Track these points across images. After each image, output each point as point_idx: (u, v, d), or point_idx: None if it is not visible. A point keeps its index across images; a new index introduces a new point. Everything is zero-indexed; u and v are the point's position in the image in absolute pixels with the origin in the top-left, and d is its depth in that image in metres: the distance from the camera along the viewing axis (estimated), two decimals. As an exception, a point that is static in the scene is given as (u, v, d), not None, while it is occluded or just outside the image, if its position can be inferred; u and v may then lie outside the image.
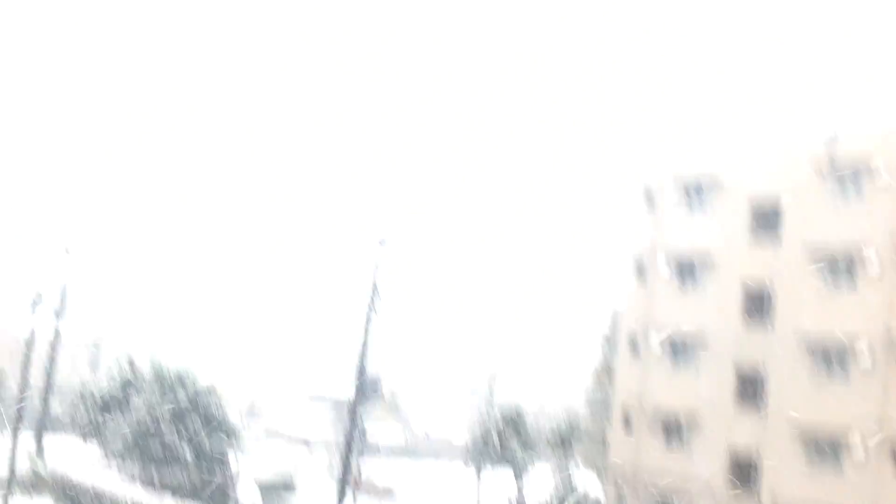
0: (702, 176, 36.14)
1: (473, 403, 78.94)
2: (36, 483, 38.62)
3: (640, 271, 38.15)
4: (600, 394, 49.43)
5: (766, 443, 32.18)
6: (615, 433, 38.26)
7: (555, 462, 40.31)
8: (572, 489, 38.44)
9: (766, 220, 33.94)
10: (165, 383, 39.66)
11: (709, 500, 33.25)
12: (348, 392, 37.14)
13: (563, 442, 46.05)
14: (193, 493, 35.85)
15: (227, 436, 40.17)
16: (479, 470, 48.76)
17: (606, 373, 47.75)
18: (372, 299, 34.23)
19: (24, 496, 37.58)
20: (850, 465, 29.59)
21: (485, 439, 47.01)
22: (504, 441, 46.73)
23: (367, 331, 34.35)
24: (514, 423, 47.17)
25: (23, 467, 40.29)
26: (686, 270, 36.48)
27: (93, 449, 44.49)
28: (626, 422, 37.54)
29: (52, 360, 47.14)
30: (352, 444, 35.25)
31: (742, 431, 33.14)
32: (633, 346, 37.96)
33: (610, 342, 49.15)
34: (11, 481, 28.75)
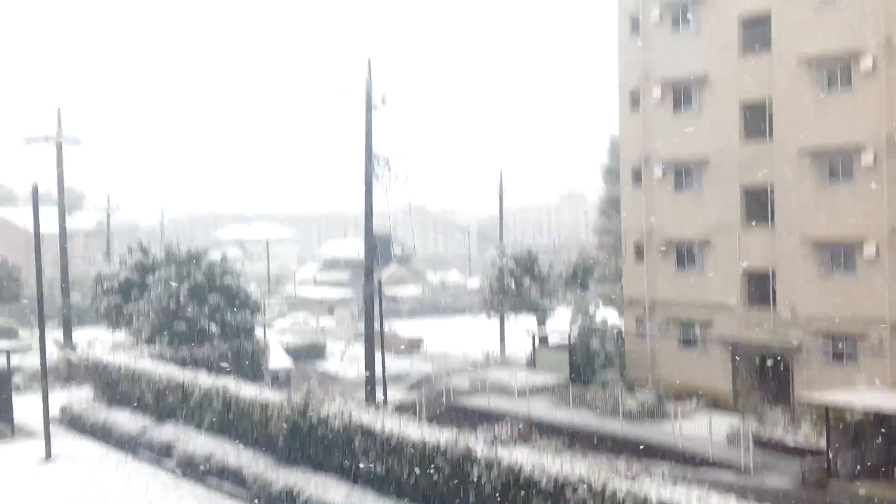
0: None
1: (486, 253, 79.57)
2: (70, 373, 39.60)
3: (635, 100, 37.63)
4: (609, 225, 49.66)
5: (779, 257, 32.54)
6: (628, 265, 38.65)
7: (572, 300, 40.82)
8: (591, 321, 39.08)
9: (757, 32, 33.24)
10: (180, 263, 39.77)
11: (728, 320, 33.95)
12: (360, 254, 37.44)
13: (578, 278, 46.63)
14: (226, 366, 36.62)
15: (250, 308, 40.60)
16: (497, 314, 49.52)
17: (612, 204, 47.76)
18: (371, 158, 34.12)
19: (62, 387, 38.74)
20: (863, 267, 29.95)
21: (500, 282, 47.45)
22: (519, 282, 47.28)
23: (369, 192, 34.38)
24: (526, 265, 47.58)
25: (55, 359, 41.37)
26: (681, 94, 35.99)
27: (120, 336, 45.35)
28: (638, 252, 37.85)
29: (63, 251, 47.50)
30: (372, 300, 35.84)
31: (754, 249, 33.46)
32: (636, 175, 37.84)
33: (611, 173, 48.96)
34: (45, 372, 29.43)
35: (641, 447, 28.42)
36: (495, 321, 51.53)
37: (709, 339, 34.38)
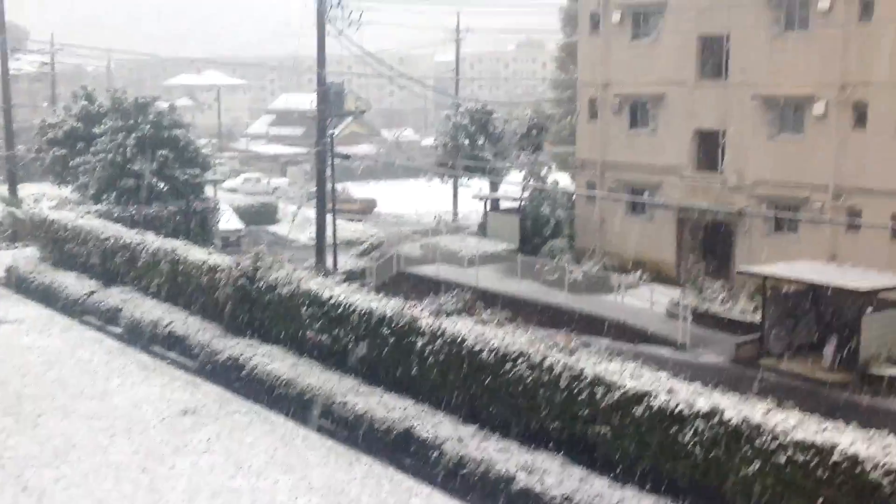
0: None
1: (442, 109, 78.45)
2: (16, 230, 38.97)
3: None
4: (567, 79, 48.79)
5: (730, 116, 32.35)
6: (581, 123, 38.10)
7: (525, 162, 40.49)
8: (543, 185, 39.02)
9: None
10: (127, 113, 38.51)
11: (677, 184, 34.10)
12: (313, 104, 36.61)
13: (533, 138, 46.16)
14: (173, 227, 36.25)
15: (200, 165, 39.79)
16: (450, 176, 49.16)
17: (571, 54, 46.65)
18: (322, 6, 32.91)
19: (7, 246, 38.21)
20: (811, 127, 29.92)
21: (454, 140, 46.77)
22: (473, 141, 46.72)
23: (321, 35, 33.29)
24: (481, 122, 46.88)
25: (0, 215, 40.64)
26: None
27: (67, 192, 44.51)
28: (592, 110, 37.26)
29: (6, 97, 45.85)
30: (324, 159, 35.32)
31: (706, 108, 33.18)
32: (594, 21, 36.82)
33: (570, 18, 47.53)
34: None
35: (584, 320, 28.99)
36: (448, 184, 51.27)
37: (656, 205, 34.58)
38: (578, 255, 35.87)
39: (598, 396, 15.07)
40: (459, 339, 17.62)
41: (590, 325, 28.50)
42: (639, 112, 35.71)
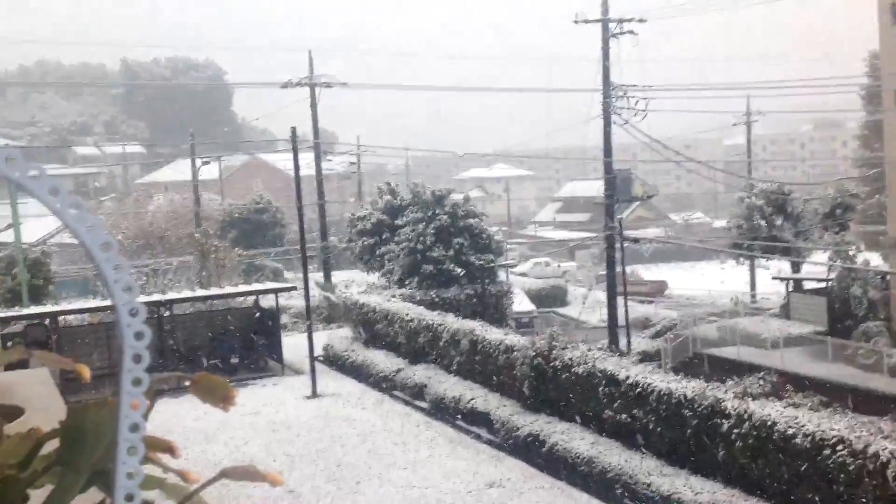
0: None
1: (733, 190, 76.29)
2: (331, 313, 42.43)
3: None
4: (871, 155, 45.91)
5: None
6: (893, 201, 35.57)
7: (829, 242, 38.30)
8: (852, 265, 36.58)
9: None
10: (426, 205, 40.99)
11: None
12: (600, 191, 37.11)
13: (836, 217, 43.67)
14: (470, 309, 37.75)
15: (492, 251, 41.39)
16: (746, 257, 47.47)
17: (874, 131, 43.96)
18: (609, 90, 33.52)
19: (323, 326, 41.61)
20: None
21: (749, 221, 45.27)
22: (769, 222, 44.97)
23: (607, 126, 33.86)
24: (777, 202, 45.09)
25: (317, 300, 44.43)
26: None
27: (373, 277, 47.85)
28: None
29: (321, 194, 50.61)
30: (613, 243, 35.57)
31: None
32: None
33: (872, 95, 44.93)
34: (309, 312, 31.78)
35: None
36: (744, 265, 49.47)
37: None
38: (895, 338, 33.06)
39: (935, 489, 13.73)
40: (769, 423, 16.81)
41: (915, 414, 25.94)
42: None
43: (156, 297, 33.12)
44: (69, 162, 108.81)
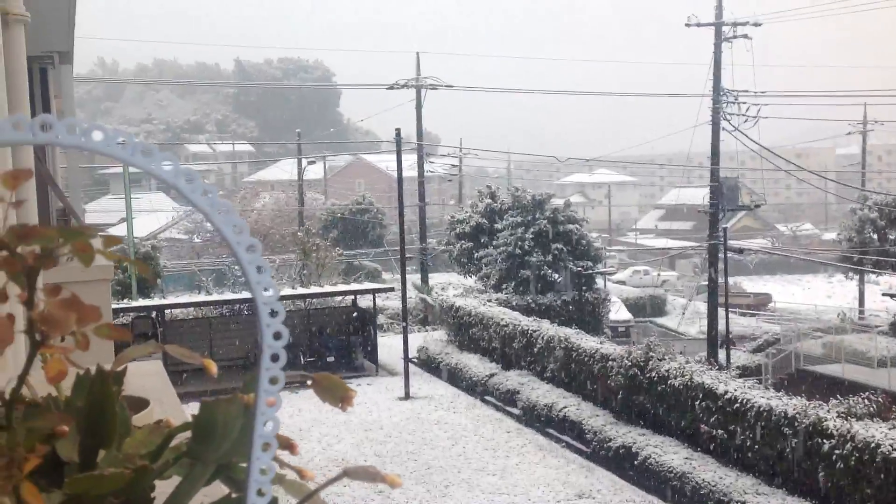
0: None
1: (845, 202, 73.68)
2: (426, 315, 42.76)
3: None
4: None
5: None
6: None
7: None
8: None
9: None
10: (526, 209, 40.92)
11: None
12: (705, 199, 36.37)
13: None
14: (566, 316, 37.52)
15: (591, 258, 41.04)
16: (855, 272, 45.82)
17: None
18: (719, 95, 32.79)
19: (419, 328, 41.95)
20: None
21: (860, 234, 43.71)
22: (882, 236, 43.32)
23: (716, 131, 33.13)
24: (892, 218, 43.36)
25: (413, 301, 44.82)
26: None
27: (470, 281, 48.02)
28: None
29: (421, 196, 51.03)
30: (716, 252, 34.78)
31: None
32: None
33: None
34: (406, 313, 32.08)
35: None
36: (853, 280, 47.71)
37: None
38: None
39: None
40: (873, 445, 16.18)
41: None
42: None
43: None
44: (182, 159, 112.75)
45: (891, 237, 42.96)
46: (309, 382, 2.37)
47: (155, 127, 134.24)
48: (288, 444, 2.41)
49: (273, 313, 1.12)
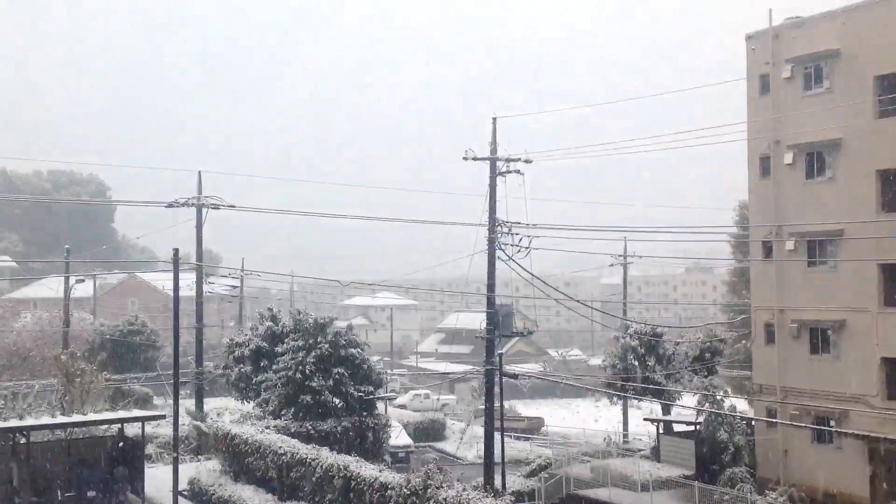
0: (820, 54, 34.07)
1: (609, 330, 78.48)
2: (200, 443, 40.86)
3: (765, 166, 36.42)
4: (739, 301, 48.07)
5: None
6: (758, 348, 37.17)
7: (698, 385, 39.55)
8: (719, 409, 37.70)
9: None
10: (308, 332, 40.50)
11: (865, 414, 32.21)
12: (482, 325, 37.46)
13: (706, 361, 45.27)
14: (347, 442, 37.04)
15: (372, 382, 41.01)
16: (619, 397, 48.37)
17: (742, 278, 46.16)
18: (494, 226, 34.34)
19: (191, 458, 39.95)
20: None
21: (623, 361, 46.44)
22: (642, 363, 46.22)
23: (491, 262, 34.49)
24: (650, 344, 46.54)
25: (186, 429, 42.77)
26: (814, 160, 34.69)
27: (249, 406, 46.55)
28: (769, 335, 36.30)
29: (199, 317, 49.34)
30: (492, 377, 35.71)
31: (894, 337, 31.78)
32: (767, 249, 36.47)
33: (740, 244, 47.43)
34: (177, 443, 30.54)
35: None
36: (618, 405, 50.35)
37: (843, 436, 32.61)
38: (761, 485, 33.90)
39: None
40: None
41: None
42: (820, 339, 34.50)
43: (13, 422, 31.27)
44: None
45: (650, 363, 45.91)
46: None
47: None
48: None
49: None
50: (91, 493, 30.38)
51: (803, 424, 33.29)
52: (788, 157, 34.97)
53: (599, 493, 34.70)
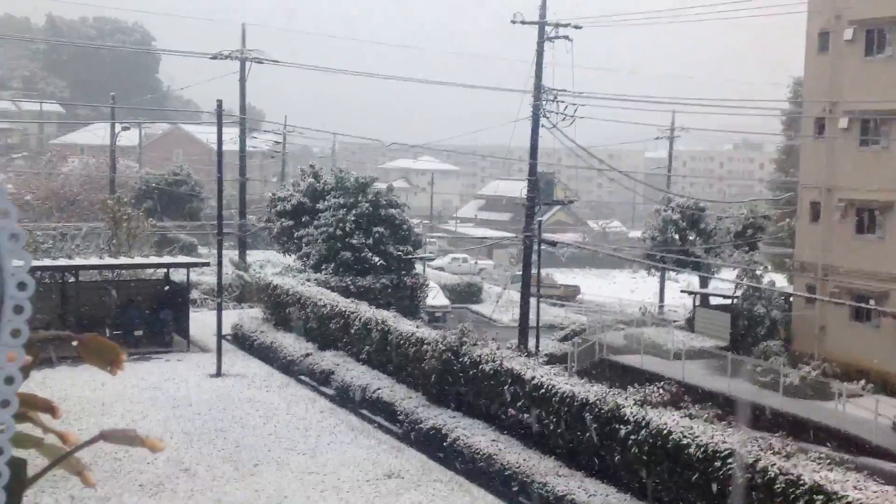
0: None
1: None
2: (243, 292, 41.82)
3: (823, 41, 35.10)
4: (786, 179, 47.36)
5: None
6: (802, 226, 36.76)
7: (739, 261, 39.41)
8: (758, 282, 37.65)
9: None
10: (349, 191, 40.70)
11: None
12: (522, 192, 37.35)
13: (748, 237, 44.94)
14: (385, 299, 37.68)
15: (412, 243, 41.40)
16: (658, 269, 48.48)
17: (791, 157, 45.31)
18: (540, 93, 33.74)
19: (234, 305, 40.97)
20: None
21: (663, 234, 46.29)
22: (683, 236, 46.06)
23: (535, 128, 34.08)
24: (692, 218, 46.23)
25: (230, 278, 43.71)
26: (874, 36, 33.28)
27: (290, 260, 47.30)
28: (814, 213, 35.82)
29: (242, 171, 49.78)
30: (531, 244, 35.87)
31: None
32: (819, 125, 35.59)
33: (792, 121, 46.34)
34: (220, 289, 31.24)
35: (799, 426, 27.46)
36: (655, 277, 50.50)
37: (882, 314, 32.51)
38: (794, 359, 34.15)
39: (817, 505, 14.22)
40: (665, 432, 17.19)
41: (805, 432, 26.93)
42: (866, 219, 33.96)
43: (62, 261, 32.15)
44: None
45: (690, 238, 45.75)
46: (75, 343, 2.24)
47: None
48: (48, 407, 2.27)
49: (19, 262, 1.03)
50: (138, 333, 31.40)
51: (844, 301, 33.21)
52: (848, 33, 33.59)
53: (632, 359, 35.23)
